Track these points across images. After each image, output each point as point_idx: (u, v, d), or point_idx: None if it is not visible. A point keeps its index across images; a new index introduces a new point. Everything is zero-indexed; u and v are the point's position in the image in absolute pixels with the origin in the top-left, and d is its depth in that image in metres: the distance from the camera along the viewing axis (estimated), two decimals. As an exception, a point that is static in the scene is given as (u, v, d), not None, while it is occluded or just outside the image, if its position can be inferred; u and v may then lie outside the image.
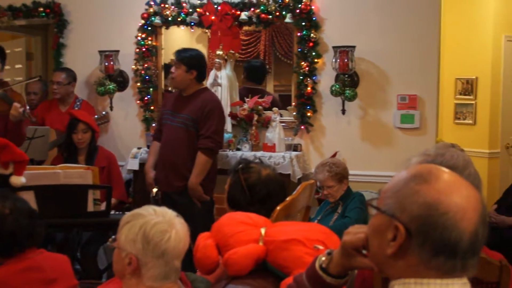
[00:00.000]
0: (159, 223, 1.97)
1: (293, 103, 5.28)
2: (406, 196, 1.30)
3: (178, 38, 5.93)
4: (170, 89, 5.46)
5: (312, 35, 5.09)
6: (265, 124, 5.17)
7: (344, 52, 4.87)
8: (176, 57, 4.59)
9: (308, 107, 5.17)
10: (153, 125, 5.38)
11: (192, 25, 5.46)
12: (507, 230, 4.65)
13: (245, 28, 5.68)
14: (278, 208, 2.52)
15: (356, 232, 1.50)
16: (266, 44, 6.86)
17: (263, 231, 2.11)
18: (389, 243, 1.31)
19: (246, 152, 5.03)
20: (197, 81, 4.57)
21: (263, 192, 2.56)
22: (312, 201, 4.72)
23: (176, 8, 5.42)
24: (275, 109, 5.13)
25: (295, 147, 5.09)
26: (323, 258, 1.61)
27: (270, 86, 7.04)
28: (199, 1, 5.39)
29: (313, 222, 2.60)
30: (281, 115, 5.22)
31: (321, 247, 1.96)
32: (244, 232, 2.12)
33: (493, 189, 6.73)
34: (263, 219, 2.23)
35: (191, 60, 4.49)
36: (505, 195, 5.04)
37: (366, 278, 2.16)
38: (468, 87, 7.24)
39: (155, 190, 4.51)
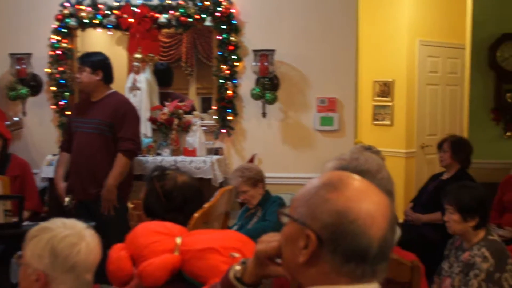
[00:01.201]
0: (68, 236, 1.88)
1: (214, 107, 5.25)
2: (317, 205, 1.30)
3: (96, 40, 5.76)
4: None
5: (232, 38, 5.06)
6: (186, 128, 5.11)
7: (264, 55, 4.89)
8: (80, 61, 4.46)
9: (229, 110, 5.14)
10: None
11: (110, 28, 5.31)
12: (422, 227, 4.78)
13: (166, 30, 5.58)
14: (196, 215, 2.49)
15: (269, 241, 1.49)
16: (188, 47, 6.80)
17: (178, 240, 2.08)
18: (301, 251, 1.30)
19: (166, 157, 4.95)
20: (104, 83, 4.43)
21: (180, 199, 2.53)
22: (234, 205, 4.72)
23: (92, 10, 5.25)
24: (195, 113, 5.09)
25: (216, 151, 5.06)
26: (238, 268, 1.58)
27: (192, 89, 6.99)
28: (116, 3, 5.25)
29: (230, 230, 2.57)
30: (201, 119, 5.18)
31: (237, 255, 1.94)
32: (159, 242, 2.08)
33: (410, 188, 6.94)
34: (178, 228, 2.19)
35: (95, 62, 4.37)
36: (420, 193, 5.18)
37: (283, 285, 2.15)
38: (386, 89, 7.43)
39: (67, 199, 4.38)
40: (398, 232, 3.67)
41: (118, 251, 2.12)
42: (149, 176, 2.64)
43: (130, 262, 2.09)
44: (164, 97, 5.33)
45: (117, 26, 5.29)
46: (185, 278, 2.05)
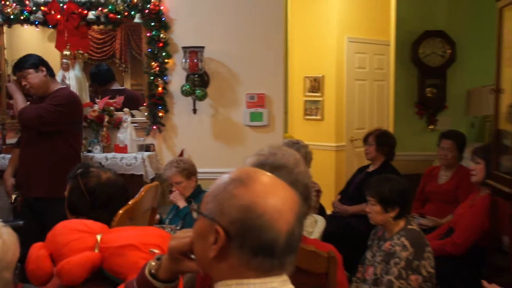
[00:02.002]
0: None
1: (145, 104, 5.20)
2: (225, 200, 1.31)
3: (28, 36, 5.57)
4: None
5: (161, 35, 5.02)
6: (117, 125, 5.03)
7: (194, 52, 4.86)
8: (18, 69, 4.25)
9: (159, 107, 5.10)
10: (-2, 128, 5.11)
11: (37, 24, 5.14)
12: (349, 218, 4.87)
13: (99, 27, 5.46)
14: (120, 211, 2.46)
15: (182, 237, 1.49)
16: (122, 43, 6.69)
17: (99, 237, 2.05)
18: (211, 247, 1.32)
19: (97, 154, 4.87)
20: (51, 77, 4.31)
21: (104, 196, 2.50)
22: (166, 201, 4.69)
23: (18, 6, 5.06)
24: (126, 109, 5.01)
25: (148, 147, 5.01)
26: (153, 263, 1.58)
27: (127, 85, 6.90)
28: (43, -1, 5.14)
29: (150, 226, 2.55)
30: (132, 116, 5.12)
31: (156, 251, 1.93)
32: (79, 240, 2.04)
33: (340, 180, 7.06)
34: (99, 225, 2.16)
35: (33, 62, 4.23)
36: (347, 185, 5.28)
37: (206, 278, 2.16)
38: (316, 84, 7.54)
39: (14, 196, 4.29)
40: (323, 223, 3.75)
41: (37, 250, 2.07)
42: (73, 173, 2.59)
43: (49, 261, 2.05)
44: (108, 94, 5.28)
45: (44, 23, 5.11)
46: (106, 275, 2.03)
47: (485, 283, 3.22)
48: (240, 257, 1.29)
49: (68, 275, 1.95)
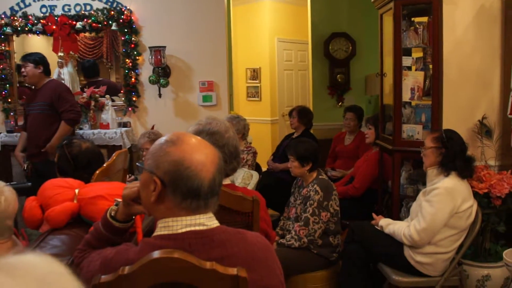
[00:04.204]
0: None
1: (122, 91, 5.09)
2: (160, 156, 1.30)
3: (39, 44, 5.33)
4: (25, 84, 4.94)
5: (133, 38, 4.92)
6: (101, 108, 4.92)
7: (158, 51, 4.78)
8: (23, 59, 4.24)
9: (133, 93, 5.01)
10: (12, 114, 5.04)
11: (38, 33, 5.02)
12: (279, 173, 4.91)
13: (87, 34, 5.27)
14: (97, 172, 2.41)
15: (132, 187, 1.49)
16: (108, 46, 6.50)
17: (77, 191, 2.01)
18: (152, 193, 1.31)
19: (86, 131, 4.78)
20: (45, 74, 4.24)
21: (85, 161, 2.45)
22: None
23: (23, 20, 4.93)
24: (107, 96, 4.92)
25: (125, 124, 4.92)
26: (113, 208, 1.56)
27: (113, 79, 6.75)
28: (42, 14, 4.97)
29: (116, 182, 2.51)
30: (113, 100, 5.02)
31: (120, 200, 1.90)
32: (61, 194, 2.01)
33: (275, 145, 7.09)
34: (78, 182, 2.12)
35: (36, 59, 4.19)
36: (278, 149, 5.29)
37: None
38: (255, 74, 7.51)
39: (25, 165, 4.27)
40: (257, 177, 3.73)
41: (31, 202, 2.03)
42: (60, 144, 2.53)
43: (39, 210, 2.01)
44: (94, 84, 5.12)
45: (43, 32, 5.01)
46: (83, 220, 2.00)
47: (374, 215, 3.32)
48: (173, 200, 1.29)
49: (53, 220, 1.92)
